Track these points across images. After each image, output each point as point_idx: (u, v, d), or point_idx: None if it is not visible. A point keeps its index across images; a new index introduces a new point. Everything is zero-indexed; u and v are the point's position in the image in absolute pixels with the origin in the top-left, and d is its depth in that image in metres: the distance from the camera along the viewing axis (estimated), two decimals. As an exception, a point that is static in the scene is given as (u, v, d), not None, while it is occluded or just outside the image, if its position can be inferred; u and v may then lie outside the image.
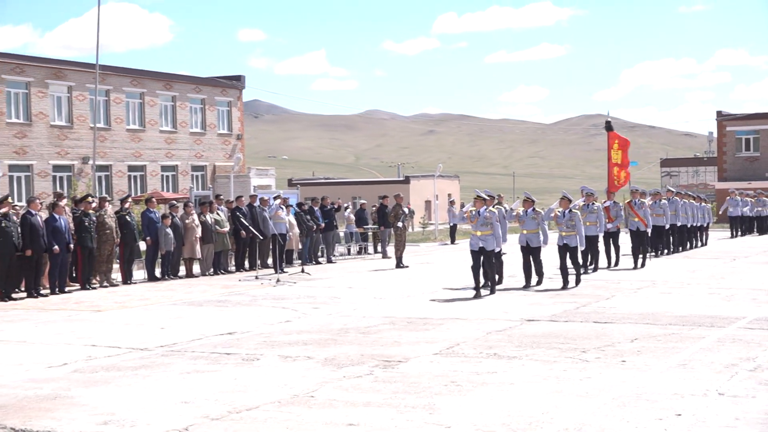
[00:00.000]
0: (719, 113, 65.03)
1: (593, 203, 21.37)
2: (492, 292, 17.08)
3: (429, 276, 21.41)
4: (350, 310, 15.21)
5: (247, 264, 24.13)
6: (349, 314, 14.62)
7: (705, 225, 31.52)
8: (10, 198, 19.04)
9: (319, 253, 27.21)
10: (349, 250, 30.77)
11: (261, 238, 23.69)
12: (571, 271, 18.43)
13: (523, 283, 18.36)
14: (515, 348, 11.08)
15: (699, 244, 30.78)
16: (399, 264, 24.68)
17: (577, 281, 18.28)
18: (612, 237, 22.89)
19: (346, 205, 36.79)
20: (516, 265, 19.49)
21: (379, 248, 29.85)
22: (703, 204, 31.61)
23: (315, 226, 26.51)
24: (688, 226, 29.00)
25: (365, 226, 31.36)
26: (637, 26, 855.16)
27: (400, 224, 25.50)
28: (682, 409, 7.78)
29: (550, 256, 19.96)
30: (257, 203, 24.66)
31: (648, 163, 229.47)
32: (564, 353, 10.64)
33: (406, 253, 26.31)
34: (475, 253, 17.14)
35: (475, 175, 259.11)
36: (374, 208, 30.68)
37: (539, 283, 18.38)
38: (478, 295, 16.67)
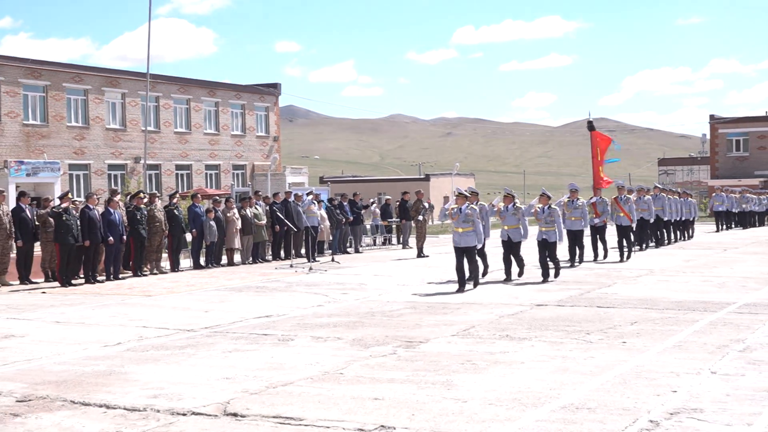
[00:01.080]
0: (712, 117, 64.62)
1: (577, 199, 20.61)
2: (475, 286, 15.92)
3: (447, 265, 21.34)
4: (376, 295, 15.21)
5: (282, 254, 24.17)
6: (374, 299, 14.61)
7: (691, 219, 30.34)
8: (70, 194, 19.16)
9: (348, 244, 27.21)
10: (374, 241, 30.73)
11: (295, 230, 23.72)
12: (551, 264, 17.30)
13: (503, 276, 17.27)
14: (525, 330, 11.05)
15: (685, 237, 29.70)
16: (420, 254, 24.65)
17: (557, 274, 17.26)
18: (599, 231, 21.87)
19: (372, 200, 36.83)
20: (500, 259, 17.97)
21: (401, 239, 29.82)
22: (690, 199, 30.48)
23: (344, 220, 26.52)
24: (673, 220, 27.85)
25: (389, 220, 31.30)
26: (638, 37, 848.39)
27: (420, 218, 25.48)
28: (677, 386, 7.74)
29: (530, 250, 18.90)
30: (292, 198, 24.70)
31: (647, 162, 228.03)
32: (570, 335, 10.60)
33: (427, 244, 26.27)
34: (458, 250, 15.81)
35: (489, 173, 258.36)
36: (397, 203, 30.65)
37: (520, 274, 17.30)
38: (461, 290, 15.44)
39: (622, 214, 22.21)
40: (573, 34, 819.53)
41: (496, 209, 17.70)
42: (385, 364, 8.99)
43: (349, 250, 27.00)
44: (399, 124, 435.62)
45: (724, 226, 36.40)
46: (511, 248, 17.17)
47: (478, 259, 16.75)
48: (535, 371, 8.50)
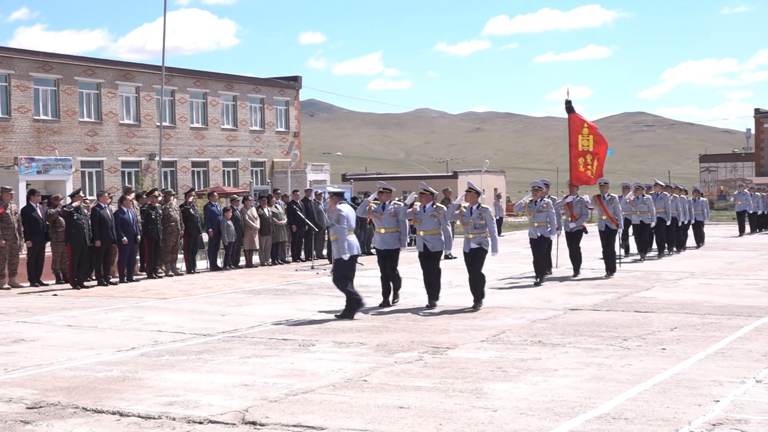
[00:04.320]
0: (757, 111, 64.29)
1: (542, 199, 17.37)
2: (393, 301, 14.12)
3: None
4: (401, 298, 15.20)
5: (303, 255, 24.22)
6: (399, 302, 14.60)
7: (703, 222, 27.31)
8: (81, 192, 19.28)
9: (372, 245, 27.18)
10: (399, 241, 30.70)
11: (316, 230, 23.76)
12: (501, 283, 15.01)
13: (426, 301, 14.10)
14: (559, 336, 11.02)
15: (696, 242, 26.65)
16: (447, 255, 24.60)
17: (477, 301, 13.77)
18: (576, 238, 18.41)
19: (397, 198, 36.75)
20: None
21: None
22: (702, 199, 27.54)
23: (368, 219, 26.50)
24: (680, 223, 24.49)
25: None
26: (680, 27, 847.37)
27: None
28: (720, 395, 7.69)
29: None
30: (312, 197, 24.75)
31: (687, 159, 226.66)
32: (606, 341, 10.56)
33: (454, 245, 26.18)
34: (381, 254, 14.05)
35: (520, 170, 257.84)
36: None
37: (433, 299, 14.04)
38: (385, 304, 13.86)
39: (605, 217, 18.87)
40: (612, 24, 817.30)
41: (410, 210, 14.44)
42: (410, 371, 8.99)
43: (372, 250, 26.97)
44: (425, 119, 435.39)
45: (748, 229, 33.31)
46: (430, 261, 14.23)
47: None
48: (569, 379, 8.46)
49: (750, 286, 16.13)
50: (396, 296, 14.44)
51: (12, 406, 7.80)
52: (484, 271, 14.13)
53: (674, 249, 24.36)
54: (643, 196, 22.49)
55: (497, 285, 16.96)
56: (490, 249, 14.03)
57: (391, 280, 14.27)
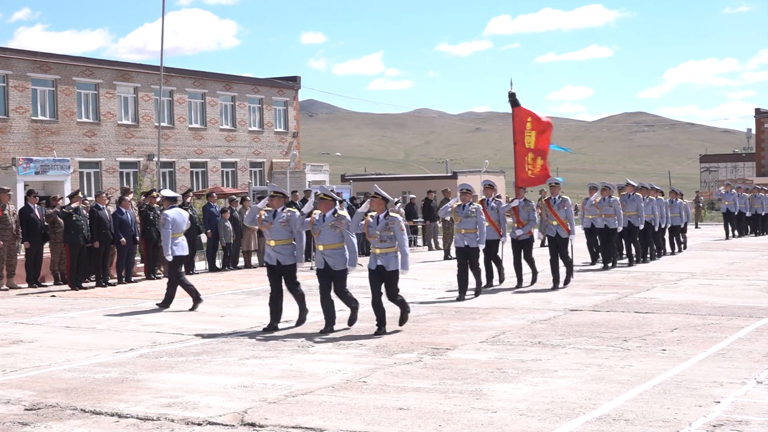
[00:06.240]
0: (758, 111, 64.28)
1: (471, 203, 15.27)
2: (299, 322, 12.58)
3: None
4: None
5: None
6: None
7: (682, 226, 25.21)
8: (80, 193, 19.29)
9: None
10: (399, 242, 30.69)
11: (316, 230, 23.74)
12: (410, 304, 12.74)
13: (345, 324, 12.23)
14: (559, 336, 11.02)
15: (672, 248, 24.47)
16: (446, 256, 24.65)
17: (380, 326, 11.68)
18: (523, 247, 16.82)
19: (397, 199, 36.80)
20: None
21: (427, 241, 29.78)
22: (680, 201, 25.37)
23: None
24: (656, 228, 22.17)
25: (414, 220, 31.29)
26: (682, 27, 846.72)
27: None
28: (721, 396, 7.69)
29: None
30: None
31: (688, 159, 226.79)
32: (606, 342, 10.56)
33: (453, 246, 26.21)
34: (271, 271, 12.55)
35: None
36: (422, 203, 30.60)
37: (328, 323, 11.97)
38: (272, 328, 12.18)
39: (556, 223, 17.01)
40: (614, 24, 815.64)
41: (308, 219, 12.38)
42: (410, 372, 8.99)
43: (372, 251, 26.94)
44: (425, 119, 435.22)
45: (735, 232, 31.59)
46: (332, 279, 12.09)
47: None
48: (569, 380, 8.47)
49: (751, 287, 16.13)
50: (302, 319, 12.70)
51: (10, 408, 7.80)
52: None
53: (648, 256, 21.98)
54: (610, 197, 20.26)
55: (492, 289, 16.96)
56: (399, 266, 11.87)
57: (296, 299, 12.73)
